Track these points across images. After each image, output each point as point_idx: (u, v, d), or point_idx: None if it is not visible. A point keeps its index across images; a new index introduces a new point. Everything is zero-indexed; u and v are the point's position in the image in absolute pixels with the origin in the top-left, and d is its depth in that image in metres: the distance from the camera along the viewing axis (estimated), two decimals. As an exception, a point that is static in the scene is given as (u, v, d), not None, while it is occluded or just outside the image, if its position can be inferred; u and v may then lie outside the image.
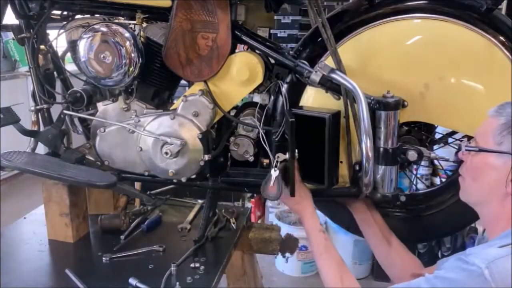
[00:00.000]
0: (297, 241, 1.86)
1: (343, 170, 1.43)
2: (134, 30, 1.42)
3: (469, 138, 1.29)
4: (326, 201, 1.59)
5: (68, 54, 1.63)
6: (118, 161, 1.51)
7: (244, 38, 1.44)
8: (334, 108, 1.38)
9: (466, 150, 1.12)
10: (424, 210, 1.55)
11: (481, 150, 1.07)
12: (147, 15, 1.45)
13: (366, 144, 1.29)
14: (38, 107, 1.53)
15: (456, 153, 1.26)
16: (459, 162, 1.20)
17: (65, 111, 1.51)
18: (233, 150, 1.49)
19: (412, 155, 1.34)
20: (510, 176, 1.02)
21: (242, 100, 1.53)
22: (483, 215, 1.13)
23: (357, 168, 1.39)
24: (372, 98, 1.31)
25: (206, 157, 1.43)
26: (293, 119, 1.25)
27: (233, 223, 1.67)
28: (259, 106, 1.49)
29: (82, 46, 1.37)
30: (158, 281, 1.30)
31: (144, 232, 1.62)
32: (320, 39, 1.38)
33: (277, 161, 1.30)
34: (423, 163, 1.59)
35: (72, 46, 1.51)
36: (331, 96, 1.38)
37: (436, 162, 2.03)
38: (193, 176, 1.49)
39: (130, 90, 1.48)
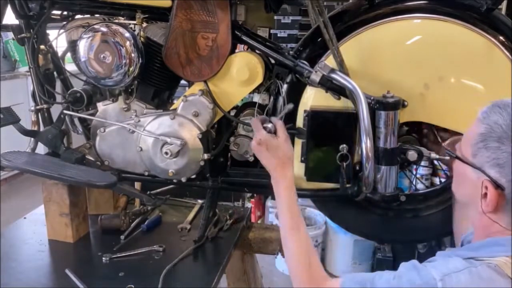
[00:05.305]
0: (297, 241, 1.85)
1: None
2: (134, 30, 1.42)
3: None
4: (327, 201, 1.59)
5: (68, 54, 1.63)
6: (118, 161, 1.51)
7: (244, 38, 1.44)
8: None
9: (446, 152, 1.05)
10: (424, 210, 1.55)
11: (457, 158, 0.99)
12: (147, 15, 1.45)
13: (366, 144, 1.29)
14: (38, 107, 1.53)
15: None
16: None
17: (65, 111, 1.51)
18: (233, 150, 1.49)
19: (412, 155, 1.34)
20: (481, 194, 0.93)
21: (242, 100, 1.53)
22: (468, 214, 1.07)
23: (357, 168, 1.39)
24: (372, 98, 1.31)
25: (206, 156, 1.43)
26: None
27: (233, 223, 1.67)
28: (258, 106, 1.49)
29: (82, 46, 1.37)
30: (158, 281, 1.30)
31: (144, 232, 1.62)
32: (320, 39, 1.38)
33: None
34: (423, 163, 1.58)
35: (72, 46, 1.51)
36: (331, 96, 1.39)
37: (436, 162, 2.03)
38: (193, 176, 1.49)
39: (130, 90, 1.49)
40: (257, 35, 1.54)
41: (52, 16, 1.54)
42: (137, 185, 1.78)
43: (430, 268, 0.92)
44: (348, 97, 1.35)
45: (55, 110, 1.55)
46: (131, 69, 1.38)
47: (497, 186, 0.90)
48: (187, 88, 1.57)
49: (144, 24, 1.46)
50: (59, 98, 1.56)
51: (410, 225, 1.56)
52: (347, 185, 1.40)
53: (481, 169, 0.92)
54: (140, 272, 1.36)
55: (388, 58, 1.37)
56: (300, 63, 1.39)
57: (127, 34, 1.37)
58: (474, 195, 0.95)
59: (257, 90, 1.49)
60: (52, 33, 1.55)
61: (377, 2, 1.38)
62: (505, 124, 0.91)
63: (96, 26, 1.38)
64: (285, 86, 1.44)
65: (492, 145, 0.91)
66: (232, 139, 1.49)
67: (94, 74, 1.39)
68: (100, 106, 1.49)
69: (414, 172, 1.82)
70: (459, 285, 0.87)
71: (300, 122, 1.44)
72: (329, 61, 1.35)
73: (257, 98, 1.54)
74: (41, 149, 1.57)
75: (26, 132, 1.53)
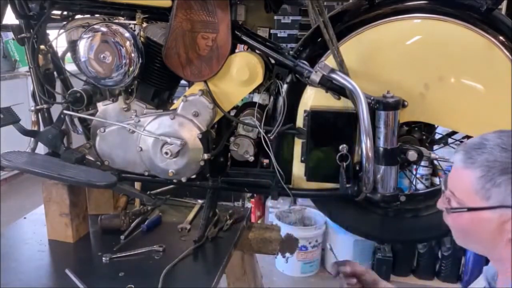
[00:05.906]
0: (297, 241, 1.86)
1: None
2: (134, 30, 1.42)
3: (469, 138, 1.29)
4: (327, 201, 1.60)
5: (68, 54, 1.63)
6: (118, 161, 1.51)
7: (244, 38, 1.44)
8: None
9: (452, 212, 1.00)
10: (424, 210, 1.55)
11: (471, 209, 0.96)
12: (147, 15, 1.45)
13: (366, 144, 1.29)
14: (38, 107, 1.53)
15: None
16: None
17: (65, 111, 1.51)
18: (233, 150, 1.49)
19: (412, 155, 1.34)
20: (509, 226, 0.92)
21: (242, 100, 1.53)
22: (488, 257, 1.03)
23: (357, 168, 1.39)
24: (372, 98, 1.32)
25: (206, 156, 1.43)
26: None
27: (233, 223, 1.67)
28: (258, 106, 1.49)
29: (82, 46, 1.37)
30: (158, 281, 1.30)
31: (144, 232, 1.62)
32: (320, 39, 1.38)
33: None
34: (423, 163, 1.59)
35: (72, 46, 1.51)
36: (331, 96, 1.39)
37: (436, 162, 2.03)
38: (193, 176, 1.49)
39: (130, 90, 1.49)
40: (257, 35, 1.54)
41: (52, 16, 1.54)
42: (137, 185, 1.77)
43: None
44: (348, 97, 1.35)
45: (55, 110, 1.55)
46: (131, 69, 1.38)
47: None
48: (187, 88, 1.57)
49: (144, 24, 1.46)
50: (59, 98, 1.56)
51: (410, 225, 1.56)
52: (347, 185, 1.40)
53: (503, 205, 0.91)
54: (140, 272, 1.36)
55: (388, 58, 1.37)
56: (300, 63, 1.39)
57: (127, 34, 1.37)
58: (496, 233, 0.94)
59: (257, 90, 1.49)
60: (52, 33, 1.55)
61: (377, 2, 1.38)
62: (497, 159, 0.92)
63: (96, 26, 1.37)
64: (285, 86, 1.44)
65: (501, 179, 0.91)
66: (232, 139, 1.49)
67: (94, 74, 1.39)
68: (100, 106, 1.49)
69: (414, 172, 1.82)
70: None
71: (300, 122, 1.44)
72: (329, 61, 1.35)
73: (257, 98, 1.54)
74: (41, 149, 1.57)
75: (26, 132, 1.53)
